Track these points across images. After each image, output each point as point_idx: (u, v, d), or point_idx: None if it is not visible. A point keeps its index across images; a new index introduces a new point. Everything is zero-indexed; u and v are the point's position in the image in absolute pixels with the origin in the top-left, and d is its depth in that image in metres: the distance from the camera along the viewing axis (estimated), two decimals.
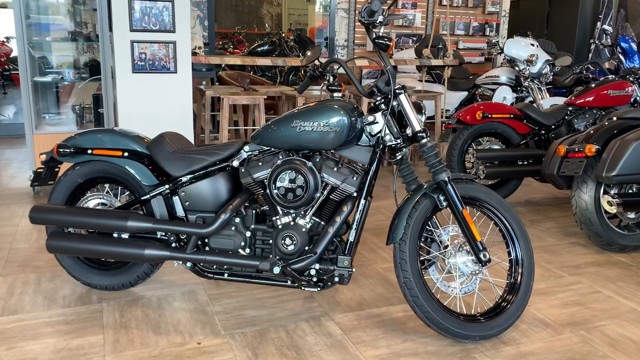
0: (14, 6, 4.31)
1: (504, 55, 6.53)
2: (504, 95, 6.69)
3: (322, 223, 2.52)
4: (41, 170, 2.84)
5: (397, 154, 2.50)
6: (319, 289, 2.49)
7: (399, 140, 2.48)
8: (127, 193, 2.86)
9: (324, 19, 10.42)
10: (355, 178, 2.45)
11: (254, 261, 2.46)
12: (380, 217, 4.21)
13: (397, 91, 2.44)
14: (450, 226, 2.55)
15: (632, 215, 3.55)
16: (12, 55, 9.37)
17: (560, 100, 6.16)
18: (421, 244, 2.51)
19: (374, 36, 2.38)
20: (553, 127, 4.58)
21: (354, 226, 2.46)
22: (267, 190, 2.48)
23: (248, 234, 2.56)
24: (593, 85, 4.74)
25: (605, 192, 3.47)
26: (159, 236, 2.63)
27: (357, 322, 2.59)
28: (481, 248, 2.41)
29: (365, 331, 2.51)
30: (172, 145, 2.66)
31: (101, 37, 4.48)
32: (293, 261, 2.40)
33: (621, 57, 6.50)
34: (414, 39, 8.46)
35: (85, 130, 2.77)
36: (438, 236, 2.55)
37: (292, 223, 2.50)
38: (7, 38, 9.32)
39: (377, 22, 2.36)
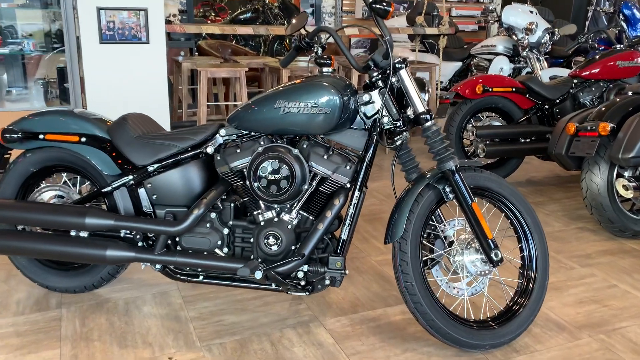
0: None
1: (502, 23, 6.16)
2: (501, 66, 6.35)
3: (311, 218, 2.20)
4: None
5: (397, 139, 2.17)
6: (307, 293, 2.19)
7: (398, 123, 2.15)
8: (87, 183, 2.51)
9: None
10: (348, 167, 2.13)
11: (233, 263, 2.14)
12: (374, 200, 3.90)
13: (397, 65, 2.10)
14: (455, 219, 2.24)
15: None
16: None
17: (559, 71, 5.84)
18: (424, 241, 2.21)
19: (371, 0, 2.02)
20: (557, 101, 4.26)
21: (347, 222, 2.14)
22: (247, 182, 2.15)
23: (226, 231, 2.23)
24: (598, 56, 4.42)
25: (619, 175, 3.18)
26: (122, 235, 2.29)
27: (350, 329, 2.30)
28: (493, 246, 2.11)
29: (361, 339, 2.22)
30: (136, 129, 2.30)
31: (63, 3, 4.04)
32: (277, 264, 2.08)
33: (623, 24, 6.16)
34: (405, 5, 8.03)
35: (38, 112, 2.40)
36: (442, 231, 2.25)
37: (276, 219, 2.17)
38: None
39: None
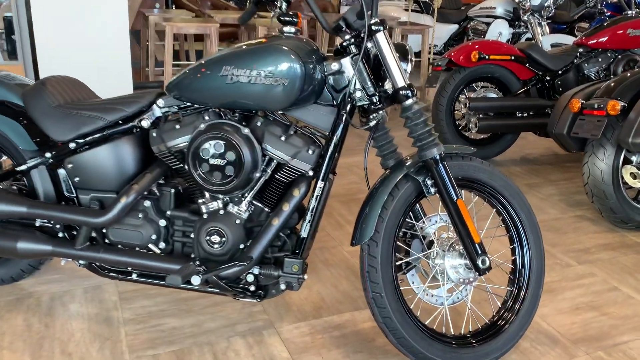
0: None
1: None
2: (500, 30, 5.91)
3: (267, 210, 1.84)
4: None
5: (372, 118, 1.78)
6: (258, 299, 1.84)
7: (374, 99, 1.76)
8: (4, 158, 2.11)
9: None
10: (310, 151, 1.75)
11: (167, 263, 1.79)
12: (354, 178, 3.53)
13: (373, 27, 1.70)
14: (438, 215, 1.89)
15: None
16: None
17: (562, 38, 5.41)
18: (398, 242, 1.85)
19: None
20: (560, 72, 3.86)
21: (308, 217, 1.78)
22: (187, 167, 1.77)
23: (162, 223, 1.86)
24: (606, 23, 4.00)
25: (626, 161, 2.83)
26: (39, 224, 1.92)
27: (310, 338, 1.96)
28: (480, 252, 1.76)
29: (321, 353, 1.89)
30: (56, 96, 1.90)
31: None
32: (218, 269, 1.73)
33: None
34: None
35: None
36: (421, 229, 1.89)
37: (221, 212, 1.80)
38: None
39: None
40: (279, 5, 1.81)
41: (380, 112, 1.78)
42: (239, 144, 1.70)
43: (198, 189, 1.85)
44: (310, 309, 2.13)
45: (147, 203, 1.86)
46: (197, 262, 1.72)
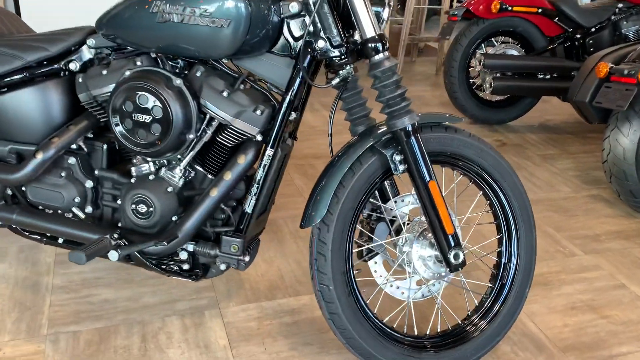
0: None
1: None
2: None
3: (210, 177, 1.56)
4: None
5: (339, 73, 1.46)
6: (193, 279, 1.59)
7: (339, 51, 1.43)
8: None
9: None
10: (259, 112, 1.45)
11: (86, 232, 1.54)
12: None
13: None
14: (411, 194, 1.58)
15: None
16: None
17: None
18: (360, 226, 1.57)
19: None
20: (593, 30, 3.41)
21: (253, 190, 1.50)
22: (108, 122, 1.49)
23: (89, 184, 1.61)
24: None
25: None
26: None
27: (256, 324, 1.73)
28: (453, 244, 1.46)
29: (264, 343, 1.65)
30: None
31: None
32: (137, 245, 1.47)
33: None
34: None
35: None
36: (390, 210, 1.60)
37: (152, 177, 1.53)
38: None
39: None
40: None
41: (347, 67, 1.45)
42: (166, 97, 1.40)
43: None
44: (264, 288, 1.89)
45: (71, 160, 1.60)
46: (115, 235, 1.46)
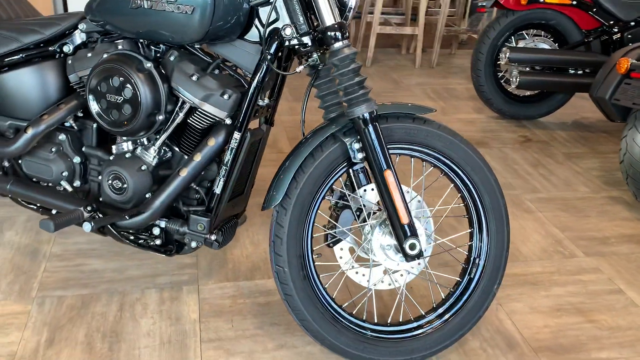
0: None
1: None
2: None
3: (186, 157, 1.64)
4: None
5: (305, 61, 1.49)
6: (167, 254, 1.68)
7: (306, 39, 1.46)
8: None
9: None
10: (226, 96, 1.50)
11: (69, 204, 1.66)
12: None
13: None
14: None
15: None
16: None
17: None
18: (328, 212, 1.59)
19: None
20: (632, 24, 3.23)
21: (222, 172, 1.56)
22: (87, 101, 1.59)
23: (77, 159, 1.72)
24: None
25: None
26: None
27: (230, 302, 1.79)
28: (408, 234, 1.47)
29: (232, 321, 1.72)
30: None
31: None
32: (110, 217, 1.56)
33: None
34: None
35: None
36: (360, 197, 1.61)
37: (128, 155, 1.62)
38: None
39: None
40: None
41: (314, 55, 1.48)
42: (136, 80, 1.48)
43: None
44: (245, 269, 1.95)
45: (62, 137, 1.71)
46: (89, 208, 1.56)
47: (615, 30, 3.24)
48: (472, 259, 1.63)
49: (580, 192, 2.68)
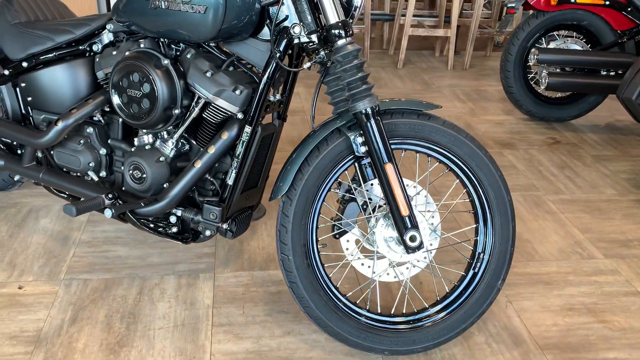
0: None
1: None
2: None
3: (202, 150, 1.73)
4: None
5: (314, 58, 1.56)
6: (183, 242, 1.77)
7: (314, 37, 1.53)
8: None
9: None
10: (238, 91, 1.58)
11: (93, 192, 1.77)
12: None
13: None
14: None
15: None
16: None
17: None
18: (335, 203, 1.65)
19: None
20: None
21: (234, 164, 1.64)
22: (110, 95, 1.70)
23: (103, 151, 1.84)
24: None
25: None
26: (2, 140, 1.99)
27: (243, 289, 1.87)
28: (409, 226, 1.50)
29: (244, 307, 1.79)
30: (20, 14, 1.91)
31: None
32: (129, 204, 1.66)
33: None
34: None
35: None
36: (367, 191, 1.66)
37: (147, 147, 1.72)
38: None
39: None
40: None
41: (321, 53, 1.54)
42: (154, 76, 1.58)
43: None
44: (261, 260, 2.03)
45: (89, 130, 1.84)
46: (110, 196, 1.67)
47: None
48: (477, 253, 1.65)
49: (606, 195, 2.64)
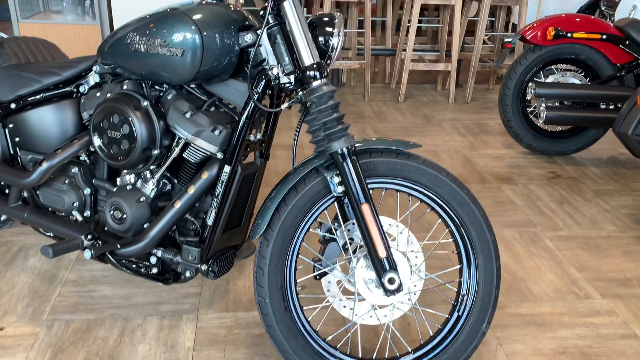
0: None
1: None
2: (635, 4, 4.96)
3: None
4: None
5: (291, 98, 1.57)
6: (164, 282, 1.75)
7: (291, 78, 1.53)
8: None
9: None
10: (217, 132, 1.58)
11: (75, 232, 1.77)
12: None
13: None
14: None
15: None
16: None
17: None
18: (317, 245, 1.62)
19: None
20: None
21: (213, 204, 1.63)
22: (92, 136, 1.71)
23: (87, 191, 1.84)
24: None
25: None
26: None
27: (226, 332, 1.84)
28: (387, 268, 1.47)
29: (225, 350, 1.76)
30: (11, 57, 1.95)
31: None
32: (103, 246, 1.65)
33: None
34: None
35: None
36: (348, 231, 1.64)
37: (129, 187, 1.72)
38: None
39: None
40: None
41: (300, 93, 1.54)
42: (132, 117, 1.59)
43: None
44: (246, 300, 1.99)
45: (74, 170, 1.85)
46: (89, 237, 1.66)
47: None
48: (460, 295, 1.61)
49: (605, 231, 2.58)
